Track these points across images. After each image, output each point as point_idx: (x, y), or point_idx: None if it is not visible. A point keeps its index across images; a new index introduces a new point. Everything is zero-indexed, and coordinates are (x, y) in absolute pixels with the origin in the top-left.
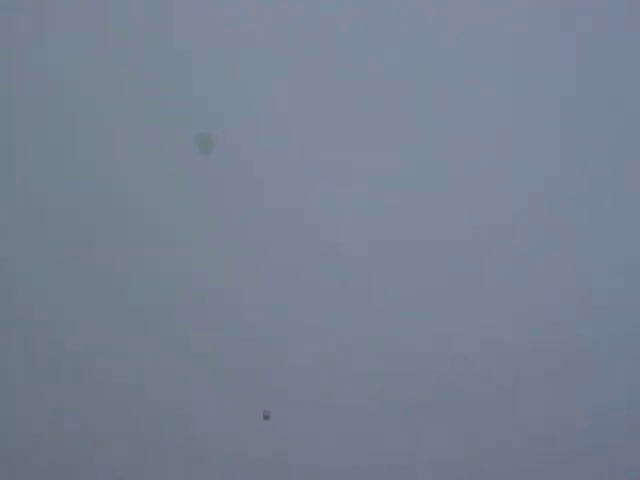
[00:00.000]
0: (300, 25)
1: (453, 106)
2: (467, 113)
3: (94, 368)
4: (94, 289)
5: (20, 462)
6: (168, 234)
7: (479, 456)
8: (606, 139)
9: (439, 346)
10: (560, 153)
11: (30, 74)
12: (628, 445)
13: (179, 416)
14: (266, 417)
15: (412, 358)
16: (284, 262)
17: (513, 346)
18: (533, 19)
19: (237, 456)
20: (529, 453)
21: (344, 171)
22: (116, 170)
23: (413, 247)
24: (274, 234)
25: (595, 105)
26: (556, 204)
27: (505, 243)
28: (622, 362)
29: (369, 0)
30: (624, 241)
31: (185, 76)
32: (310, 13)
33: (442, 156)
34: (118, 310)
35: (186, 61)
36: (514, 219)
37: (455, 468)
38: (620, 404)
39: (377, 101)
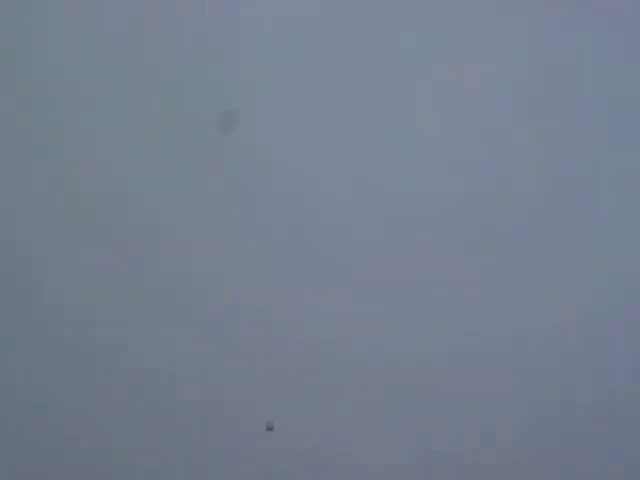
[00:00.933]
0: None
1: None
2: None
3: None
4: (120, 285)
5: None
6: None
7: (478, 455)
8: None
9: (438, 340)
10: (560, 152)
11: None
12: (628, 444)
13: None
14: (269, 429)
15: (411, 356)
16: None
17: (513, 341)
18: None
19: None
20: (529, 452)
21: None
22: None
23: (412, 246)
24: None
25: (595, 104)
26: (555, 201)
27: (503, 239)
28: (622, 360)
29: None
30: (624, 238)
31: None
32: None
33: (442, 155)
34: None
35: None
36: (510, 216)
37: (455, 468)
38: (620, 399)
39: (375, 102)
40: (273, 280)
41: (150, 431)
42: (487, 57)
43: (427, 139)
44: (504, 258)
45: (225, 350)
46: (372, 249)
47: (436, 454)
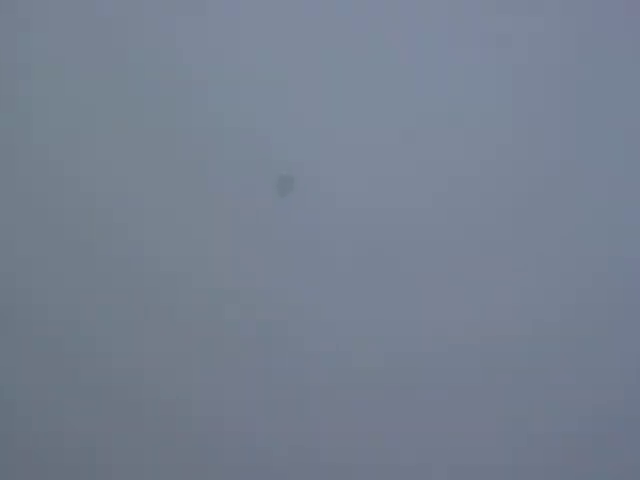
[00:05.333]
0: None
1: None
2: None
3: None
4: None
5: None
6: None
7: (479, 455)
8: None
9: (440, 337)
10: (561, 152)
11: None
12: (628, 444)
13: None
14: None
15: (411, 354)
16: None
17: (514, 338)
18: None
19: (243, 450)
20: (529, 451)
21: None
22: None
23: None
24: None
25: (595, 104)
26: (555, 199)
27: (502, 235)
28: (620, 358)
29: None
30: (623, 235)
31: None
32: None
33: (442, 156)
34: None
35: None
36: (510, 213)
37: (455, 469)
38: (619, 398)
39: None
40: (259, 277)
41: (119, 429)
42: (486, 59)
43: (422, 141)
44: (499, 258)
45: (206, 350)
46: (365, 249)
47: (436, 454)
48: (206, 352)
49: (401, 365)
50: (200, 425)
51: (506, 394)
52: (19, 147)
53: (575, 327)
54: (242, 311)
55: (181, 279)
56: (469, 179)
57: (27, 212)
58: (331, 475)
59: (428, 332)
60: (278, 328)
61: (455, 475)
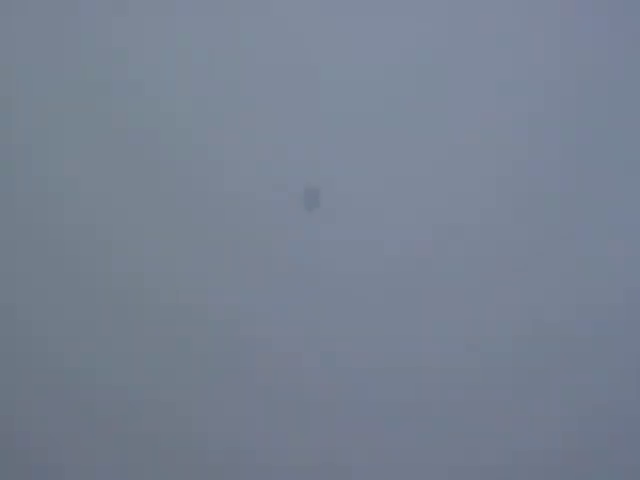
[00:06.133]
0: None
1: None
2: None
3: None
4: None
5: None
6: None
7: (478, 457)
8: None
9: (436, 343)
10: (562, 151)
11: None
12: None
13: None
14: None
15: (410, 357)
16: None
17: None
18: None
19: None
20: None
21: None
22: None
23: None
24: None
25: (595, 104)
26: (556, 201)
27: (502, 238)
28: (621, 360)
29: None
30: (623, 237)
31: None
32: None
33: (443, 156)
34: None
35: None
36: (511, 215)
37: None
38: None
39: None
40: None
41: (114, 446)
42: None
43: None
44: (504, 268)
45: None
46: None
47: (435, 469)
48: (205, 369)
49: (402, 380)
50: (198, 442)
51: (505, 408)
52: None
53: (577, 343)
54: (245, 326)
55: (195, 295)
56: (467, 175)
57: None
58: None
59: (432, 348)
60: (279, 344)
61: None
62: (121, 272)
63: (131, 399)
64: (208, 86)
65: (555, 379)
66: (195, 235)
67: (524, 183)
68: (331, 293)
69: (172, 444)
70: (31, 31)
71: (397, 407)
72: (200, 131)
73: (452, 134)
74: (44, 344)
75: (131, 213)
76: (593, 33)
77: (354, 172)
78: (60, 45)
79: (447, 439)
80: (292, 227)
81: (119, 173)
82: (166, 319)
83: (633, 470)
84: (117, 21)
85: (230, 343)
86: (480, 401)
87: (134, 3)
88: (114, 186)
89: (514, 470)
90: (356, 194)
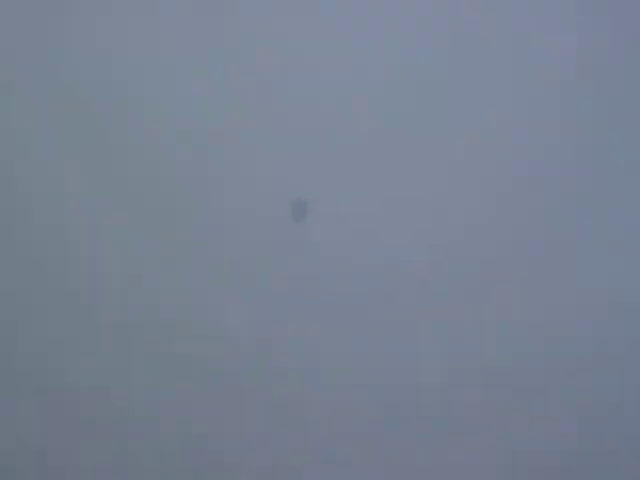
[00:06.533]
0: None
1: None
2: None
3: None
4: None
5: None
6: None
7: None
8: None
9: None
10: (562, 151)
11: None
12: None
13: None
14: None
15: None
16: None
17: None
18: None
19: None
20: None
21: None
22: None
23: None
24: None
25: (595, 103)
26: (558, 204)
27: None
28: (621, 360)
29: None
30: (624, 239)
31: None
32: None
33: (445, 156)
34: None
35: None
36: (511, 217)
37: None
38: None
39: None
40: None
41: (118, 461)
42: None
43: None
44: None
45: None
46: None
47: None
48: (206, 384)
49: (403, 398)
50: (199, 457)
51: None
52: None
53: (577, 344)
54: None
55: (190, 311)
56: (470, 181)
57: None
58: None
59: (432, 348)
60: (279, 360)
61: None
62: (117, 288)
63: (131, 415)
64: (196, 99)
65: (555, 379)
66: (185, 250)
67: (524, 192)
68: (322, 302)
69: (170, 458)
70: (18, 31)
71: (397, 407)
72: (185, 145)
73: (449, 143)
74: (43, 360)
75: (122, 230)
76: (593, 33)
77: (347, 182)
78: (46, 45)
79: (447, 439)
80: (281, 238)
81: (105, 190)
82: (158, 333)
83: (633, 470)
84: (101, 20)
85: (225, 357)
86: (480, 401)
87: (118, 3)
88: (103, 203)
89: (514, 470)
90: (348, 203)
